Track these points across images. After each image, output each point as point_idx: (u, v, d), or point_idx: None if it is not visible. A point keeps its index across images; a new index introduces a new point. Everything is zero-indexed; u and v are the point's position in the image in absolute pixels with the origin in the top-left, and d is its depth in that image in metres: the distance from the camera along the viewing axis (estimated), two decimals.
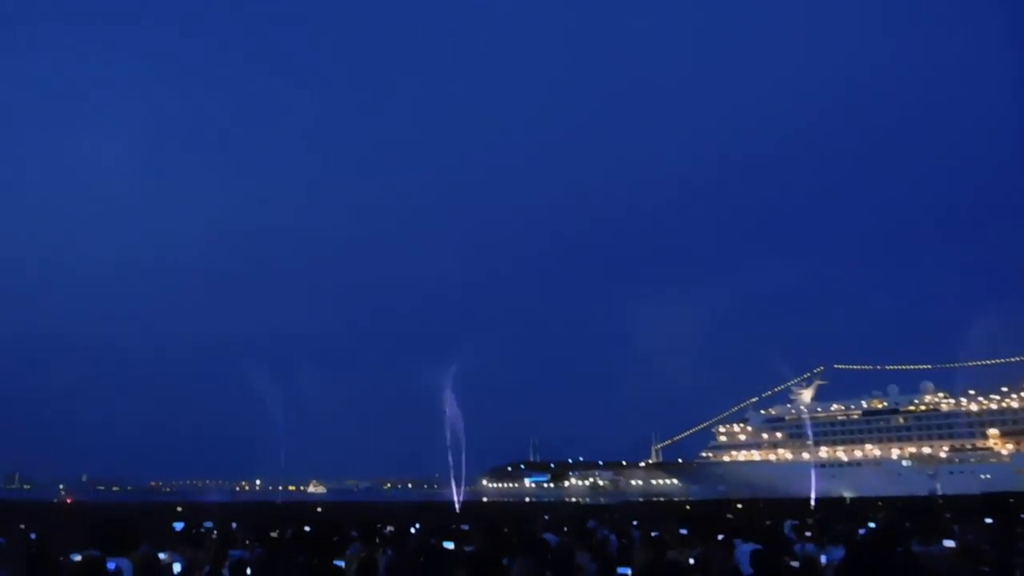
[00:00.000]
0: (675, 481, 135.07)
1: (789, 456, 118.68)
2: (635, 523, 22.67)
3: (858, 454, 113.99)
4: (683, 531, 16.81)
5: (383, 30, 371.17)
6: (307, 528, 20.41)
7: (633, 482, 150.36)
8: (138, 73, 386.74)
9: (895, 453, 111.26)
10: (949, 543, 12.08)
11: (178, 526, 19.10)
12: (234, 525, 22.41)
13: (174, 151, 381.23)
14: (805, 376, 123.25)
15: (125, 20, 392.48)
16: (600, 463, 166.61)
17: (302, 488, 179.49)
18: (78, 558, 11.05)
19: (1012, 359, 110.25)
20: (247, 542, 14.62)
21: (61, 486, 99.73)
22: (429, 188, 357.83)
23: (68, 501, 73.76)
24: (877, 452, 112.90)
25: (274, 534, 17.15)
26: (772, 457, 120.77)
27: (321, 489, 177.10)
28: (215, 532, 18.33)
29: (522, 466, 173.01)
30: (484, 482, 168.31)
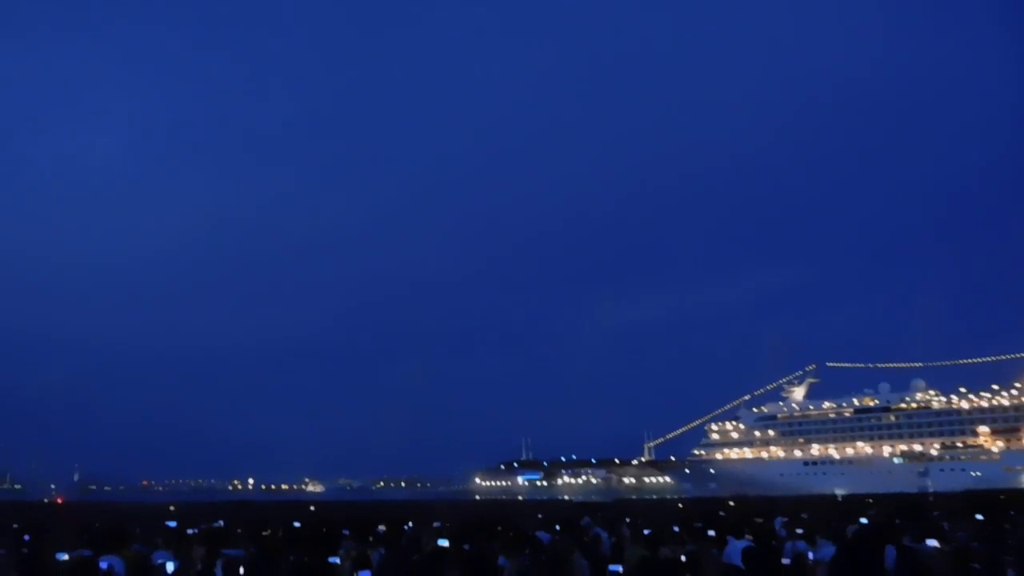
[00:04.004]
0: (667, 479, 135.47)
1: (781, 454, 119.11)
2: (627, 520, 22.72)
3: (849, 452, 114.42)
4: (675, 528, 16.87)
5: (368, 26, 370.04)
6: (298, 526, 20.42)
7: (626, 480, 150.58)
8: (128, 75, 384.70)
9: (886, 451, 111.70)
10: (932, 543, 12.13)
11: (171, 525, 19.09)
12: (221, 523, 22.40)
13: (164, 149, 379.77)
14: (797, 374, 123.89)
15: (114, 24, 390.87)
16: (593, 461, 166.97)
17: (295, 487, 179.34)
18: (65, 557, 11.04)
19: (1002, 357, 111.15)
20: (240, 541, 14.60)
21: (53, 486, 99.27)
22: (417, 183, 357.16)
23: (59, 501, 73.47)
24: (868, 450, 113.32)
25: (266, 533, 17.16)
26: (764, 455, 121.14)
27: (319, 488, 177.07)
28: (208, 531, 18.30)
29: (515, 464, 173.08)
30: (477, 480, 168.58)
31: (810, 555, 11.88)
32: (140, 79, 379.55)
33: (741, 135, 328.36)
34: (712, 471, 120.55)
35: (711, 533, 14.45)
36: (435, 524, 20.95)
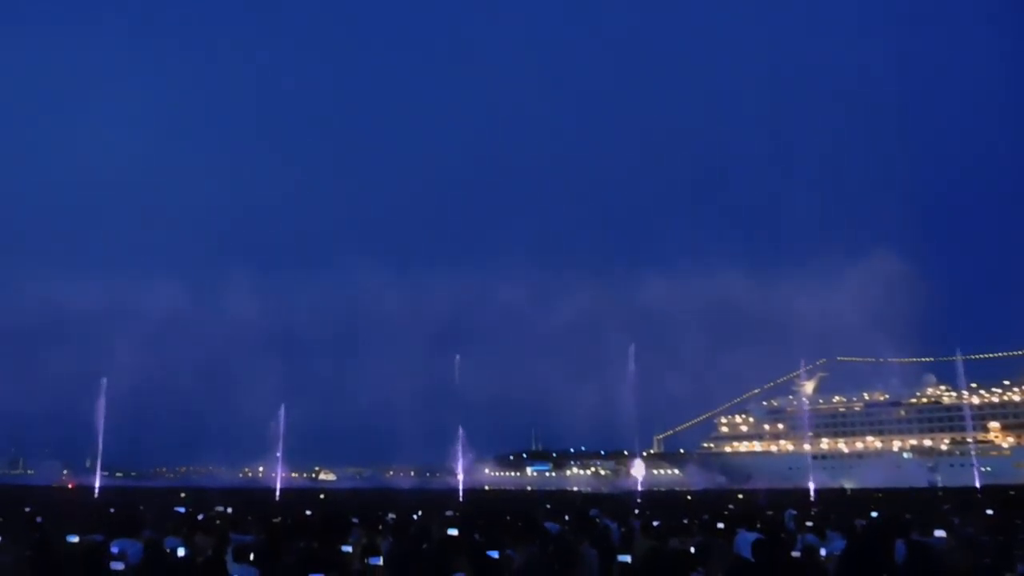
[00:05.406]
0: (677, 471, 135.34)
1: (791, 447, 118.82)
2: (636, 512, 22.74)
3: (859, 446, 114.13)
4: (684, 520, 16.88)
5: (373, 22, 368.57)
6: (309, 514, 20.51)
7: (634, 472, 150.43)
8: (128, 74, 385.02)
9: (896, 445, 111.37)
10: (941, 533, 12.12)
11: (181, 511, 19.19)
12: (229, 510, 22.54)
13: (165, 151, 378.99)
14: (807, 368, 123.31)
15: (114, 24, 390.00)
16: (602, 452, 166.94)
17: (306, 475, 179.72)
18: (75, 539, 11.12)
19: (1014, 352, 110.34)
20: (250, 528, 14.66)
21: (64, 471, 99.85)
22: (416, 183, 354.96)
23: (70, 486, 74.04)
24: (878, 444, 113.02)
25: (277, 520, 17.25)
26: (774, 448, 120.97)
27: (332, 476, 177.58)
28: (218, 517, 18.42)
29: (524, 455, 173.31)
30: (486, 471, 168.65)
31: (822, 551, 11.86)
32: (140, 79, 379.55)
33: (743, 135, 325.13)
34: (722, 464, 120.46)
35: (720, 525, 14.45)
36: (445, 514, 21.03)
